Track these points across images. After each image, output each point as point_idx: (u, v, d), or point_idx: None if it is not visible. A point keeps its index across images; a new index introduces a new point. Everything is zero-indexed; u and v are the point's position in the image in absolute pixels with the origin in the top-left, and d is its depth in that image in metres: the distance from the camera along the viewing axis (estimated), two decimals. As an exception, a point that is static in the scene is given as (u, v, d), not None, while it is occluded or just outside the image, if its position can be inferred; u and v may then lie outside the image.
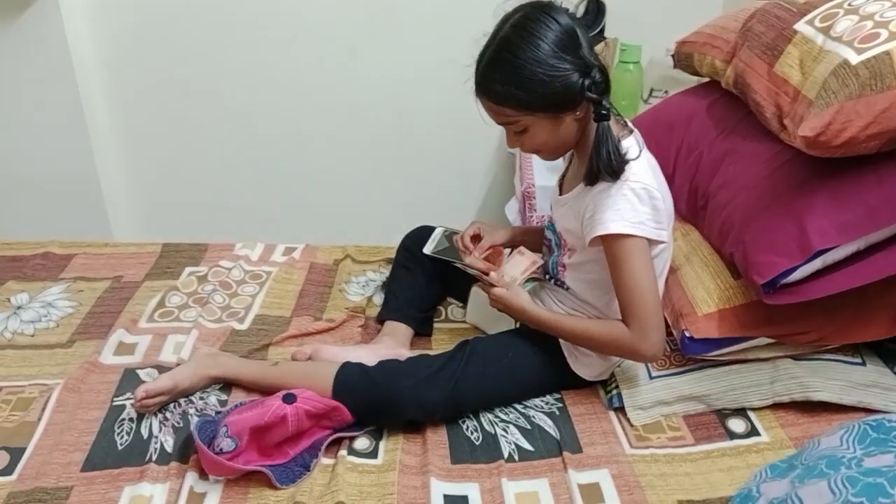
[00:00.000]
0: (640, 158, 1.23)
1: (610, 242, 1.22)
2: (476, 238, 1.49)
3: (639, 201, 1.20)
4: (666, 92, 2.23)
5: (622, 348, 1.25)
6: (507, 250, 1.49)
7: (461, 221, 2.43)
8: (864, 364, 1.32)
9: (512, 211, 2.18)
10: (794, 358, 1.31)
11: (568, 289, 1.37)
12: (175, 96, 2.33)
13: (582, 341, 1.31)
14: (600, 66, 1.19)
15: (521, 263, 1.41)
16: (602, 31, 2.35)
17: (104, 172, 2.38)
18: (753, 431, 1.28)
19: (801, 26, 1.33)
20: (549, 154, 1.31)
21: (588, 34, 1.20)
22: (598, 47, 2.21)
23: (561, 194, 1.39)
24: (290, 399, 1.22)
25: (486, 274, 1.38)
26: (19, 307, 1.61)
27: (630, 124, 1.30)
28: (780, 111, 1.31)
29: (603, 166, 1.19)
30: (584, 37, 1.18)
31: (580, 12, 2.37)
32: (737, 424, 1.29)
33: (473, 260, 1.43)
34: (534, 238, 1.51)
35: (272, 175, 2.47)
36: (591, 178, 1.23)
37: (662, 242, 1.24)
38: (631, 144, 1.24)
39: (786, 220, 1.21)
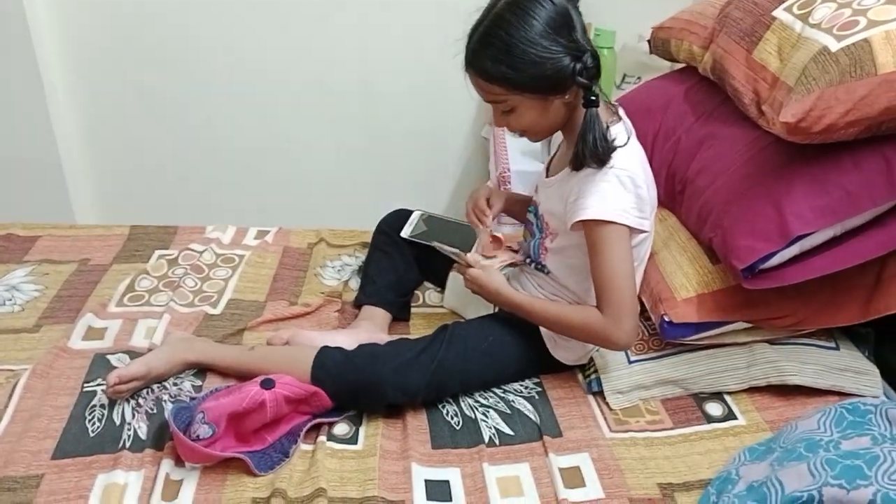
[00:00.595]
0: (628, 146, 1.22)
1: (591, 228, 1.22)
2: (490, 206, 1.46)
3: (623, 189, 1.20)
4: (639, 78, 2.24)
5: (595, 334, 1.25)
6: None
7: (436, 205, 2.43)
8: (837, 348, 1.34)
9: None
10: (770, 342, 1.33)
11: (548, 273, 1.37)
12: (139, 74, 2.27)
13: (555, 326, 1.31)
14: (593, 52, 1.18)
15: (498, 250, 1.42)
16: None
17: (66, 154, 2.31)
18: (730, 415, 1.29)
19: (779, 13, 1.34)
20: (534, 135, 1.30)
21: (581, 17, 1.19)
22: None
23: (547, 177, 1.38)
24: (268, 384, 1.20)
25: (459, 257, 1.37)
26: (-18, 290, 1.56)
27: (621, 111, 1.29)
28: (758, 97, 1.32)
29: (589, 153, 1.19)
30: (578, 20, 1.17)
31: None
32: (714, 408, 1.31)
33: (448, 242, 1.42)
34: (520, 208, 1.51)
35: (240, 158, 2.43)
36: (577, 164, 1.23)
37: (644, 232, 1.25)
38: (619, 131, 1.24)
39: (765, 205, 1.22)
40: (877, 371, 1.33)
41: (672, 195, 1.49)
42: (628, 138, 1.24)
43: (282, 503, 1.09)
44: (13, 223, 1.80)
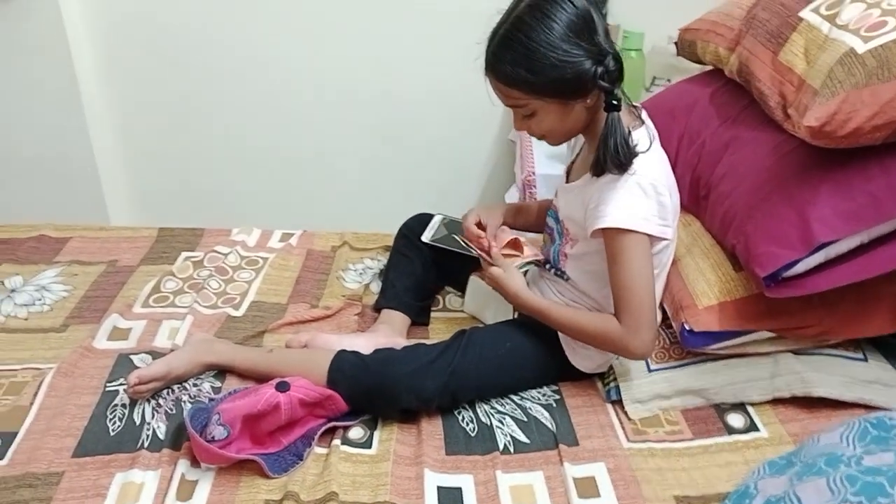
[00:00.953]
0: (650, 152, 1.20)
1: (611, 236, 1.20)
2: (480, 226, 1.46)
3: (644, 196, 1.18)
4: (668, 80, 2.21)
5: (612, 343, 1.23)
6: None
7: (461, 209, 2.40)
8: (865, 360, 1.30)
9: (512, 199, 2.16)
10: (795, 353, 1.29)
11: (568, 279, 1.36)
12: (172, 81, 2.30)
13: (572, 332, 1.30)
14: (615, 54, 1.16)
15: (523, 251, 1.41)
16: (605, 16, 2.32)
17: (101, 156, 2.36)
18: (752, 427, 1.26)
19: (806, 14, 1.31)
20: (555, 140, 1.28)
21: (604, 20, 1.18)
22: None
23: (567, 182, 1.37)
24: (283, 387, 1.20)
25: (488, 253, 1.36)
26: (13, 290, 1.59)
27: (644, 115, 1.27)
28: (784, 100, 1.29)
29: (610, 158, 1.17)
30: (600, 22, 1.15)
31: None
32: (735, 419, 1.28)
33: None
34: (526, 217, 1.51)
35: (270, 161, 2.45)
36: (598, 169, 1.21)
37: (666, 239, 1.22)
38: (641, 136, 1.22)
39: (788, 212, 1.19)
40: (907, 384, 1.29)
41: (696, 200, 1.47)
42: (651, 143, 1.21)
43: (293, 505, 1.10)
44: (45, 224, 1.84)
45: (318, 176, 2.47)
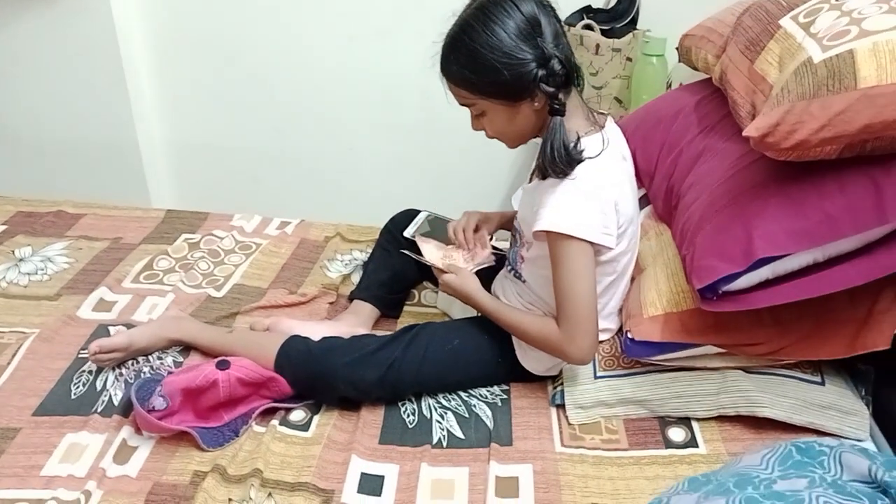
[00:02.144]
0: (599, 158, 1.19)
1: (551, 240, 1.20)
2: (476, 230, 1.48)
3: (585, 201, 1.17)
4: (691, 87, 2.15)
5: (551, 347, 1.24)
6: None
7: (479, 207, 2.42)
8: (822, 383, 1.24)
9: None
10: (746, 370, 1.25)
11: (525, 281, 1.35)
12: (216, 74, 2.40)
13: (516, 333, 1.30)
14: (563, 59, 1.16)
15: (477, 254, 1.42)
16: (634, 21, 2.28)
17: (144, 141, 2.49)
18: (692, 442, 1.23)
19: (785, 21, 1.26)
20: (508, 141, 1.29)
21: (557, 23, 1.18)
22: (626, 38, 2.15)
23: (529, 183, 1.36)
24: (223, 365, 1.25)
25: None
26: (21, 259, 1.71)
27: (608, 122, 1.26)
28: (754, 110, 1.25)
29: (547, 162, 1.17)
30: (548, 25, 1.15)
31: (612, 2, 2.32)
32: (676, 433, 1.25)
33: (427, 252, 1.43)
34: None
35: (301, 153, 2.53)
36: (540, 172, 1.21)
37: (609, 248, 1.21)
38: (593, 143, 1.20)
39: (735, 225, 1.15)
40: (866, 412, 1.22)
41: (669, 209, 1.43)
42: (601, 150, 1.20)
43: (218, 478, 1.14)
44: (66, 201, 1.96)
45: (348, 174, 2.53)
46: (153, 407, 1.21)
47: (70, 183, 2.48)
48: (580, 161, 1.17)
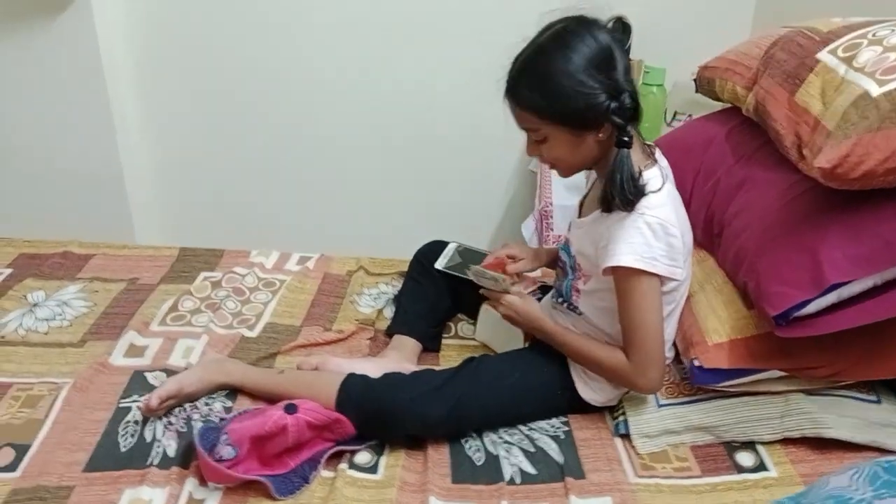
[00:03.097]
0: (661, 191, 1.21)
1: (620, 275, 1.21)
2: (513, 258, 1.48)
3: (653, 236, 1.19)
4: (690, 115, 2.22)
5: (620, 378, 1.27)
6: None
7: (479, 236, 2.43)
8: (879, 402, 1.29)
9: (528, 229, 2.17)
10: (807, 392, 1.28)
11: (581, 314, 1.36)
12: (201, 101, 2.36)
13: (584, 361, 1.31)
14: (632, 92, 1.18)
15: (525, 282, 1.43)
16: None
17: (130, 174, 2.41)
18: (762, 466, 1.25)
19: (823, 55, 1.31)
20: (565, 169, 1.30)
21: (627, 58, 1.20)
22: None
23: (580, 216, 1.38)
24: (291, 409, 1.22)
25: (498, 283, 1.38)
26: (35, 304, 1.63)
27: (658, 154, 1.29)
28: (799, 140, 1.29)
29: (616, 194, 1.18)
30: (621, 59, 1.18)
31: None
32: (745, 458, 1.27)
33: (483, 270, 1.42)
34: (548, 258, 1.53)
35: (294, 183, 2.49)
36: (606, 205, 1.22)
37: (675, 280, 1.23)
38: (653, 175, 1.23)
39: (800, 252, 1.18)
40: (921, 428, 1.27)
41: (710, 237, 1.47)
42: (663, 183, 1.22)
43: (298, 529, 1.10)
44: (71, 241, 1.89)
45: (339, 200, 2.51)
46: (221, 456, 1.16)
47: (52, 217, 2.37)
48: (645, 194, 1.19)
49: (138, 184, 2.46)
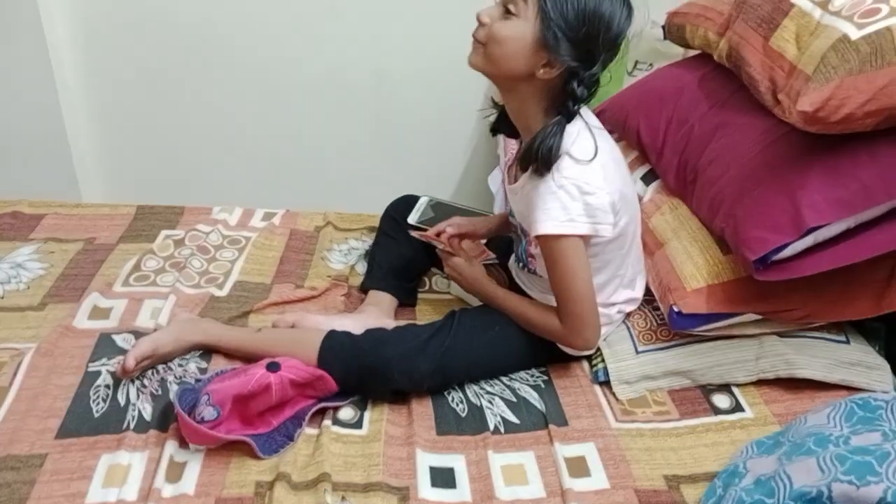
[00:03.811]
0: (592, 161, 1.20)
1: (543, 242, 1.23)
2: (460, 237, 1.48)
3: (569, 197, 1.18)
4: (651, 65, 2.21)
5: (555, 338, 1.30)
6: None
7: (444, 190, 2.40)
8: (848, 342, 1.33)
9: (495, 181, 2.15)
10: (780, 335, 1.32)
11: (541, 276, 1.36)
12: (150, 56, 2.24)
13: (522, 324, 1.33)
14: (595, 80, 1.18)
15: (473, 248, 1.47)
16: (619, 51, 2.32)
17: (73, 132, 2.29)
18: (738, 407, 1.28)
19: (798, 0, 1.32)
20: (488, 58, 1.18)
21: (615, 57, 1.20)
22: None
23: (511, 183, 1.36)
24: (274, 367, 1.19)
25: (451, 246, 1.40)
26: (-12, 268, 1.55)
27: (587, 113, 1.28)
28: (774, 86, 1.30)
29: (533, 156, 1.19)
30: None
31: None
32: (721, 400, 1.30)
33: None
34: (497, 227, 1.54)
35: (248, 138, 2.40)
36: (524, 162, 1.23)
37: (601, 237, 1.23)
38: (585, 144, 1.21)
39: (779, 196, 1.20)
40: (888, 366, 1.32)
41: (683, 184, 1.47)
42: (595, 151, 1.20)
43: (286, 487, 1.09)
44: (20, 200, 1.79)
45: (300, 157, 2.43)
46: (202, 417, 1.13)
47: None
48: (556, 160, 1.19)
49: (83, 143, 2.34)
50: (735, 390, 1.32)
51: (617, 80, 2.17)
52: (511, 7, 1.16)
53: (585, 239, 1.22)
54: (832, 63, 1.13)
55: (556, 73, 1.16)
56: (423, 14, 2.22)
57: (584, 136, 1.22)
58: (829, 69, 1.13)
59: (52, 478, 1.09)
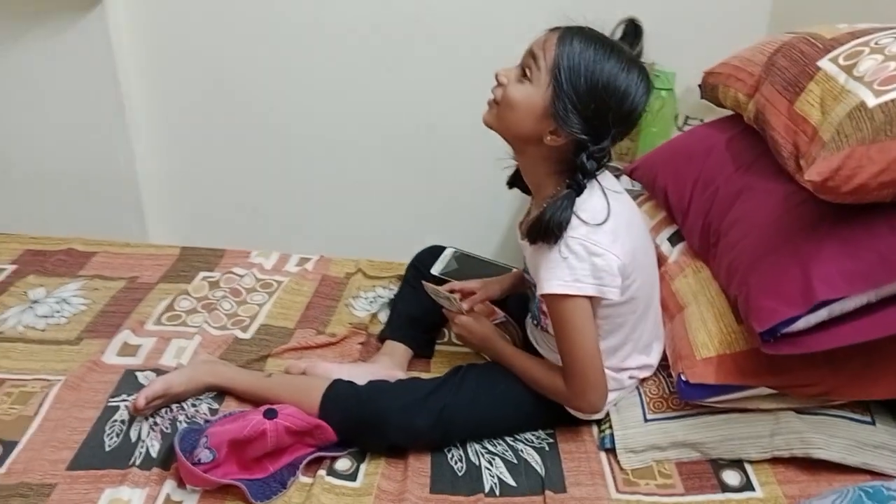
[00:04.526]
0: (603, 225, 1.19)
1: (549, 301, 1.22)
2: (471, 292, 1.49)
3: (575, 258, 1.17)
4: (701, 120, 2.18)
5: (561, 400, 1.28)
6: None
7: (483, 240, 2.40)
8: (873, 423, 1.25)
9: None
10: (798, 411, 1.25)
11: (551, 334, 1.34)
12: (207, 104, 2.36)
13: (529, 384, 1.31)
14: (606, 152, 1.18)
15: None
16: (639, 55, 2.31)
17: (143, 175, 2.44)
18: (748, 486, 1.22)
19: (824, 63, 1.28)
20: (499, 119, 1.21)
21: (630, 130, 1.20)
22: (633, 72, 2.17)
23: (522, 238, 1.35)
24: (271, 414, 1.22)
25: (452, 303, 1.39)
26: (35, 301, 1.65)
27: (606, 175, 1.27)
28: (797, 151, 1.26)
29: (540, 228, 1.18)
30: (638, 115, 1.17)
31: (617, 34, 2.35)
32: (731, 476, 1.23)
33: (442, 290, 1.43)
34: (512, 287, 1.54)
35: (297, 184, 2.49)
36: (531, 237, 1.22)
37: (607, 299, 1.20)
38: (597, 206, 1.20)
39: (791, 266, 1.15)
40: (918, 451, 1.23)
41: (707, 246, 1.43)
42: (608, 214, 1.19)
43: (271, 534, 1.10)
44: (75, 238, 1.91)
45: (346, 204, 2.50)
46: (199, 460, 1.17)
47: (64, 217, 2.41)
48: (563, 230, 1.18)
49: (150, 185, 2.48)
50: (748, 467, 1.25)
51: (664, 135, 2.14)
52: (527, 71, 1.18)
53: (593, 300, 1.20)
54: (846, 131, 1.09)
55: (563, 142, 1.17)
56: (475, 70, 2.26)
57: (596, 198, 1.21)
58: (842, 137, 1.09)
59: (57, 509, 1.15)
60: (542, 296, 1.21)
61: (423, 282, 1.44)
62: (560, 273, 1.18)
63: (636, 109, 1.16)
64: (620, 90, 1.13)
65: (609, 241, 1.18)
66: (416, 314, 1.57)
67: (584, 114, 1.14)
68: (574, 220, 1.18)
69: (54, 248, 1.87)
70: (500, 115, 1.21)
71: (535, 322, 1.40)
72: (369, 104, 2.34)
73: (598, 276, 1.18)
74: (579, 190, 1.18)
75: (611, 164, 1.28)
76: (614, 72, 1.14)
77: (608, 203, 1.21)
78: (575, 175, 1.18)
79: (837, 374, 1.20)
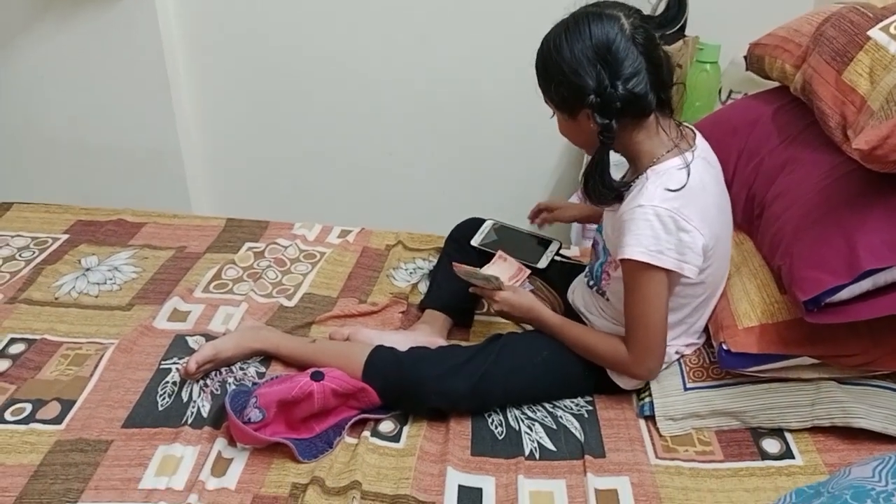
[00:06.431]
0: (683, 188, 1.19)
1: (626, 267, 1.22)
2: (550, 209, 1.62)
3: (663, 229, 1.17)
4: (745, 94, 2.15)
5: (618, 366, 1.30)
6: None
7: (523, 213, 2.42)
8: (915, 394, 1.24)
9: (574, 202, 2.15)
10: (839, 381, 1.24)
11: (608, 299, 1.35)
12: (255, 80, 2.41)
13: (582, 351, 1.32)
14: (625, 93, 1.15)
15: (505, 270, 1.44)
16: (683, 28, 2.28)
17: (187, 150, 2.50)
18: (787, 454, 1.22)
19: (875, 32, 1.26)
20: (577, 146, 1.34)
21: (643, 56, 1.16)
22: (677, 45, 2.15)
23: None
24: (317, 377, 1.25)
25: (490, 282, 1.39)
26: (88, 269, 1.71)
27: (698, 138, 1.28)
28: (844, 121, 1.25)
29: (587, 192, 1.23)
30: (627, 57, 1.15)
31: (660, 9, 2.32)
32: (771, 445, 1.24)
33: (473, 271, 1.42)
34: (591, 219, 1.60)
35: (338, 159, 2.53)
36: (586, 197, 1.26)
37: (686, 276, 1.21)
38: (672, 166, 1.21)
39: (836, 236, 1.15)
40: (960, 423, 1.22)
41: (750, 218, 1.43)
42: (688, 175, 1.19)
43: (318, 491, 1.14)
44: (125, 209, 1.97)
45: (383, 174, 2.53)
46: (249, 419, 1.21)
47: (113, 190, 2.49)
48: (616, 192, 1.22)
49: (193, 159, 2.54)
50: (788, 435, 1.26)
51: (708, 108, 2.13)
52: (549, 105, 1.27)
53: (670, 274, 1.21)
54: (895, 99, 1.08)
55: (591, 121, 1.19)
56: (515, 47, 2.27)
57: (696, 172, 1.21)
58: (892, 106, 1.08)
59: (114, 463, 1.20)
60: (621, 260, 1.21)
61: (454, 264, 1.43)
62: (645, 241, 1.18)
63: (609, 45, 1.15)
64: (576, 52, 1.16)
65: (699, 219, 1.19)
66: (455, 285, 1.57)
67: (572, 91, 1.18)
68: (667, 193, 1.18)
69: (105, 218, 1.93)
70: (578, 146, 1.34)
71: (593, 283, 1.41)
72: (410, 79, 2.37)
73: (681, 251, 1.19)
74: (606, 139, 1.19)
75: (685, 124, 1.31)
76: (563, 46, 1.17)
77: (705, 179, 1.23)
78: (600, 132, 1.18)
79: (879, 345, 1.19)
